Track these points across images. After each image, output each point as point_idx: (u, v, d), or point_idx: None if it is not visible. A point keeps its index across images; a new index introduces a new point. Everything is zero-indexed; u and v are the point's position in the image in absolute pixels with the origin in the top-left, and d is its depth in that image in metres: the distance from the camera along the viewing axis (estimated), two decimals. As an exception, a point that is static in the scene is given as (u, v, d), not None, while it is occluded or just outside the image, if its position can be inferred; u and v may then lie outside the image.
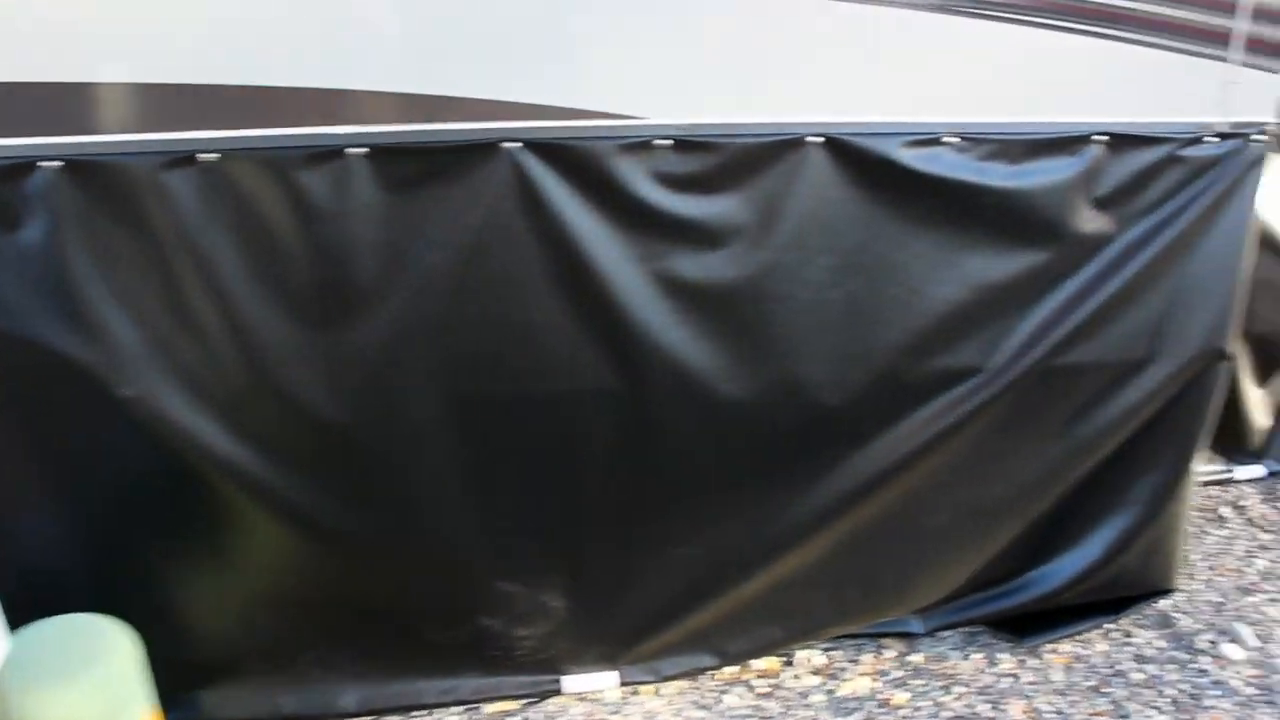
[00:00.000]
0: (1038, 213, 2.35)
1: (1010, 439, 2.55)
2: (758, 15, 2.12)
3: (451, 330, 2.24)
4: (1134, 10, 2.31)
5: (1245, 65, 2.38)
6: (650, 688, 2.65)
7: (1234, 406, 3.42)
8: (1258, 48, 2.39)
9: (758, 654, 2.70)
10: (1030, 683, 2.68)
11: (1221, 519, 3.41)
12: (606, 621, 2.56)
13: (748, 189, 2.23)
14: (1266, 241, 3.11)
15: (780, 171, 2.23)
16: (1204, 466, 3.55)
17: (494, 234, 2.19)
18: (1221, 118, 2.39)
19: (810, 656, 2.77)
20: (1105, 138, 2.34)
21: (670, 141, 2.17)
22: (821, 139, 2.22)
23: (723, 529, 2.49)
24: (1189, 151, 2.40)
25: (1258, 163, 2.44)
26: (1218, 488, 3.57)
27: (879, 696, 2.63)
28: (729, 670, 2.71)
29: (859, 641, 2.81)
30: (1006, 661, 2.76)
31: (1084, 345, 2.48)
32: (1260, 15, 2.37)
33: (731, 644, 2.65)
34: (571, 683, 2.61)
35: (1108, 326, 2.48)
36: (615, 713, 2.57)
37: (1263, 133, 2.42)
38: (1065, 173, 2.34)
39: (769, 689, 2.66)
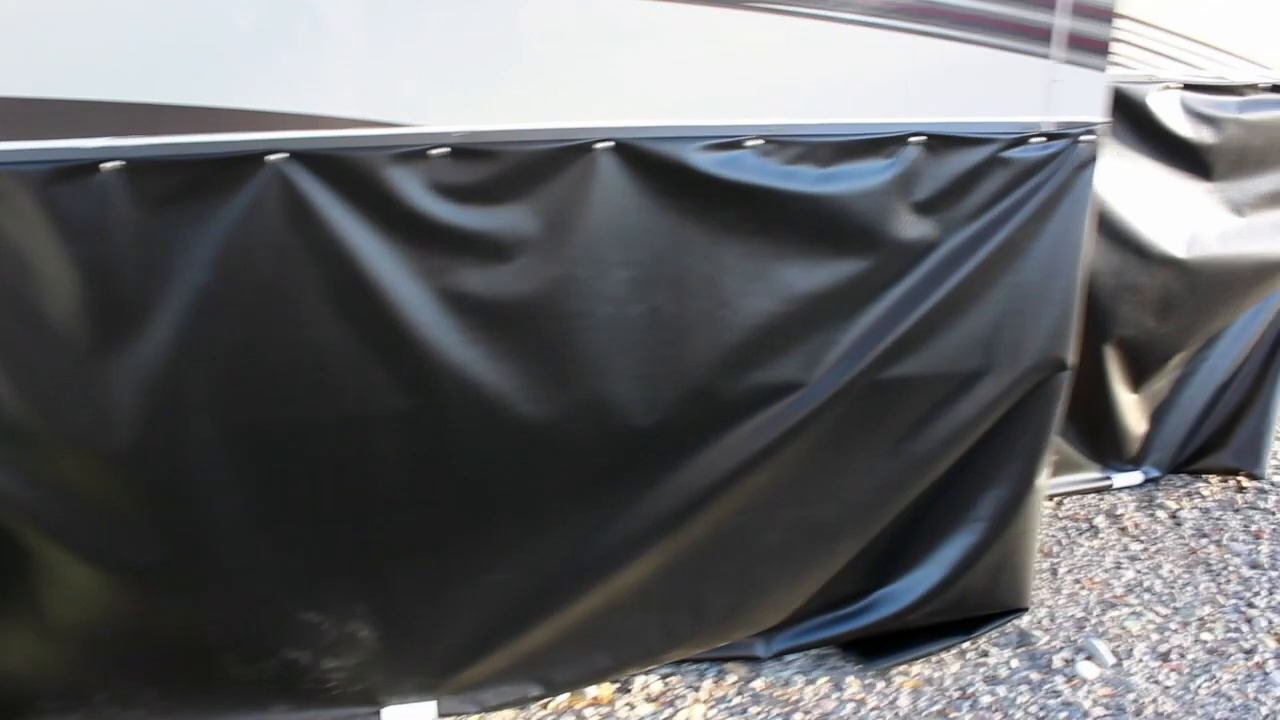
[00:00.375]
0: (852, 219, 2.22)
1: (840, 455, 2.43)
2: (541, 9, 1.98)
3: (227, 354, 2.10)
4: (950, 6, 2.18)
5: (1070, 63, 2.25)
6: (475, 718, 2.52)
7: (1108, 413, 3.31)
8: (1082, 44, 2.26)
9: (587, 682, 2.58)
10: (874, 708, 2.57)
11: (1094, 529, 3.30)
12: (421, 651, 2.43)
13: (533, 199, 2.09)
14: (1129, 242, 3.00)
15: (568, 179, 2.09)
16: (1079, 475, 3.45)
17: (265, 251, 2.04)
18: (1047, 117, 2.26)
19: (648, 683, 2.64)
20: (922, 139, 2.21)
21: (447, 150, 2.03)
22: (611, 144, 2.08)
23: (535, 554, 2.36)
24: (1013, 153, 2.28)
25: (1088, 164, 2.32)
26: (1095, 496, 3.46)
27: (710, 727, 2.51)
28: (561, 699, 2.58)
29: (701, 666, 2.69)
30: (853, 686, 2.64)
31: (912, 357, 2.36)
32: (1082, 11, 2.24)
33: (558, 672, 2.52)
34: (390, 714, 2.48)
35: (937, 338, 2.36)
36: (433, 747, 2.45)
37: (1091, 133, 2.30)
38: (879, 176, 2.21)
39: (599, 719, 2.54)
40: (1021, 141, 2.27)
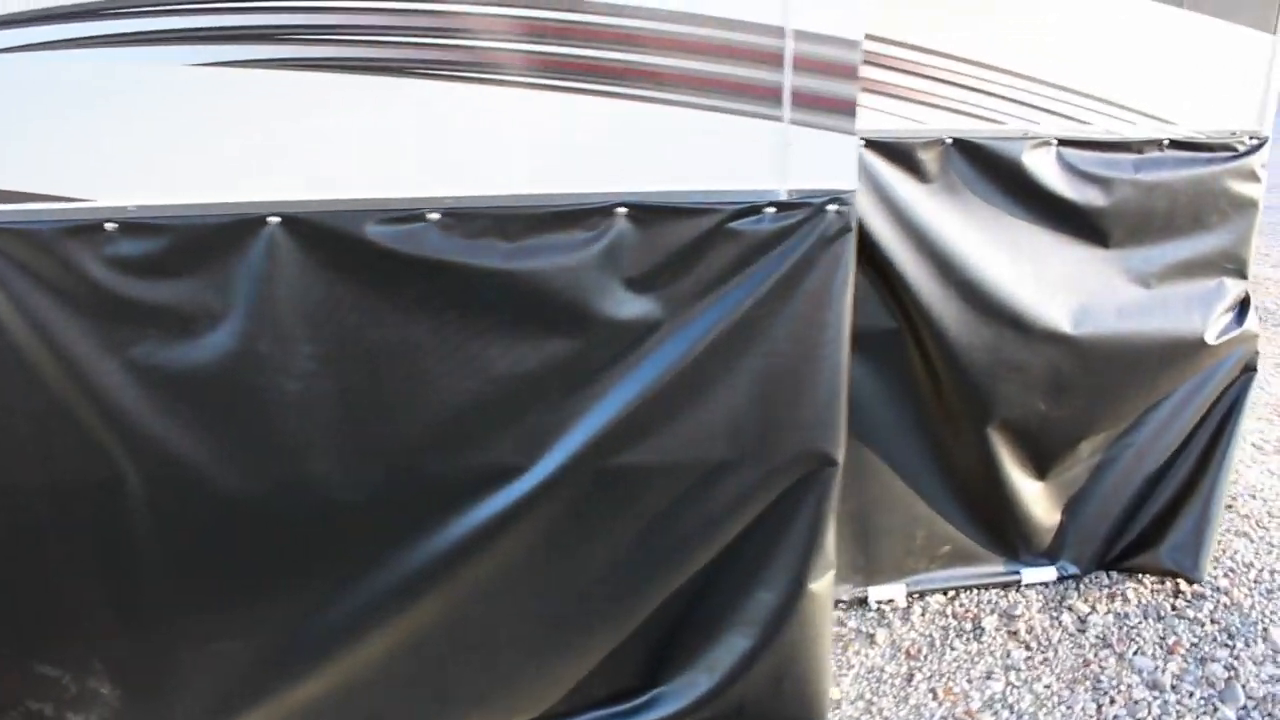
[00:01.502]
0: (555, 296, 2.07)
1: (577, 544, 2.26)
2: (213, 92, 1.94)
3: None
4: (658, 66, 2.01)
5: (805, 125, 2.04)
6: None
7: (1007, 501, 2.99)
8: (820, 105, 2.04)
9: (339, 765, 2.47)
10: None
11: (979, 630, 2.97)
12: (164, 712, 2.38)
13: (210, 272, 2.04)
14: (1003, 315, 2.71)
15: (242, 253, 2.03)
16: (980, 568, 3.12)
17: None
18: (781, 185, 2.06)
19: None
20: (625, 210, 2.04)
21: (116, 225, 2.00)
22: (278, 219, 2.00)
23: (261, 624, 2.28)
24: (742, 225, 2.08)
25: (838, 237, 2.10)
26: (999, 591, 3.12)
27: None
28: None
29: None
30: (629, 792, 2.44)
31: (645, 445, 2.18)
32: (815, 68, 2.02)
33: (308, 751, 2.43)
34: (142, 777, 2.44)
35: (671, 425, 2.17)
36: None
37: (839, 202, 2.07)
38: (582, 251, 2.05)
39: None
40: (752, 212, 2.06)
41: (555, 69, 1.98)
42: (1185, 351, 2.90)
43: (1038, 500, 3.07)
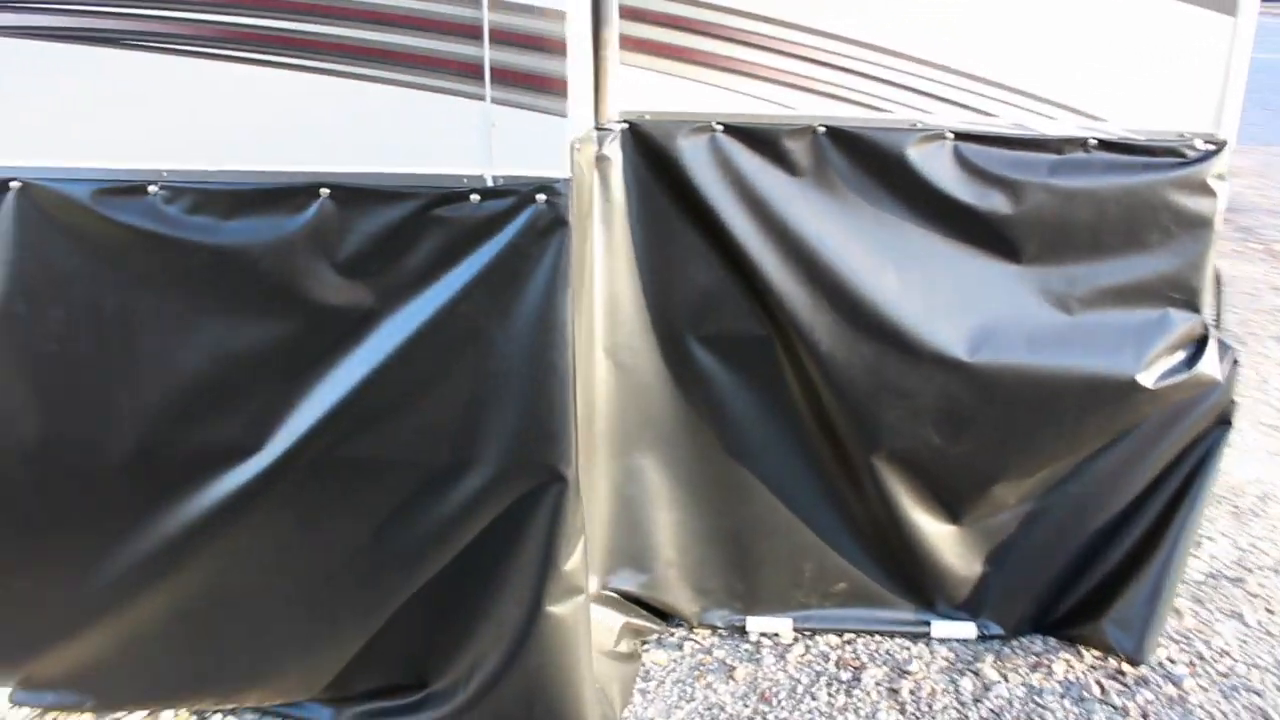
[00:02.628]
0: (265, 276, 2.02)
1: (318, 528, 2.21)
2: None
3: None
4: (358, 40, 1.89)
5: (510, 106, 1.87)
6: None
7: (907, 542, 2.66)
8: (526, 83, 1.86)
9: (137, 704, 2.51)
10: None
11: (856, 682, 2.66)
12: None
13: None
14: (885, 333, 2.41)
15: (-13, 216, 2.10)
16: (884, 611, 2.80)
17: None
18: (489, 170, 1.91)
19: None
20: (328, 191, 1.95)
21: None
22: (18, 184, 2.06)
23: (51, 569, 2.36)
24: (447, 211, 1.94)
25: (552, 230, 1.92)
26: (905, 641, 2.79)
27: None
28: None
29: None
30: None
31: (369, 438, 2.10)
32: (517, 41, 1.85)
33: (107, 691, 2.47)
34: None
35: (393, 419, 2.07)
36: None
37: (549, 191, 1.89)
38: (286, 230, 1.99)
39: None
40: (457, 198, 1.92)
41: (248, 41, 1.91)
42: (1114, 394, 2.45)
43: (950, 546, 2.70)
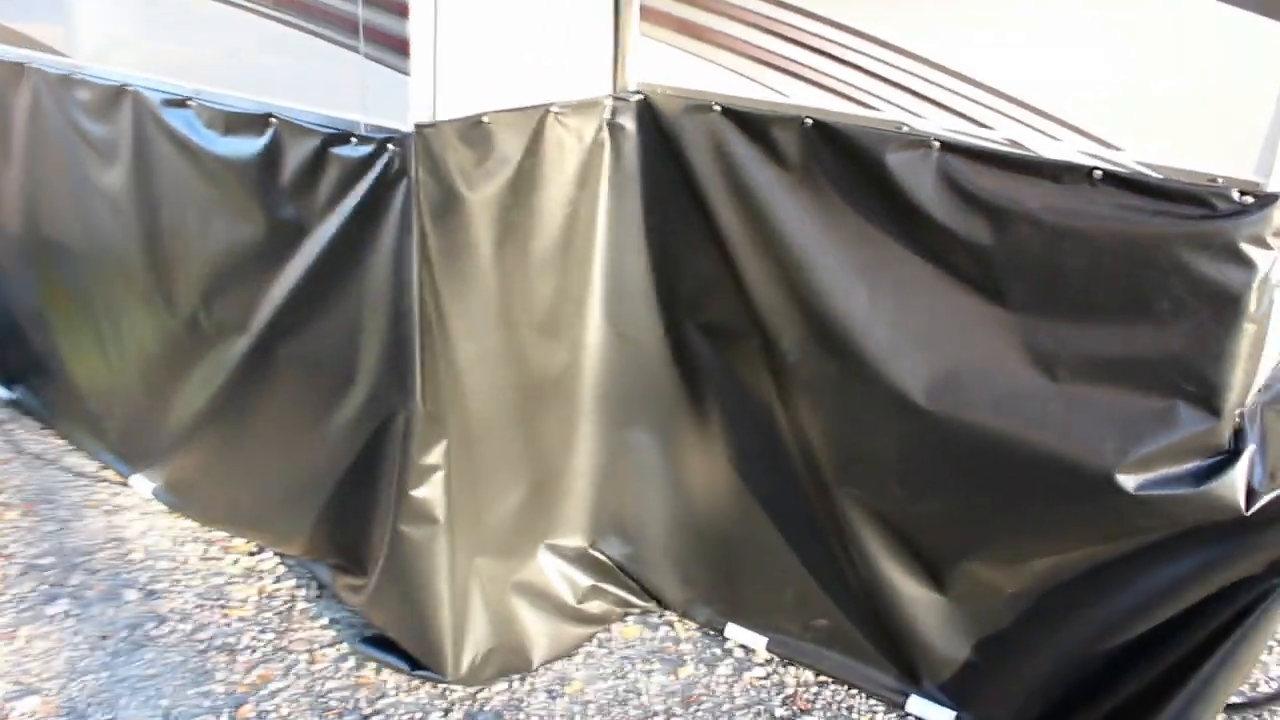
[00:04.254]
0: (246, 185, 2.40)
1: (292, 415, 2.59)
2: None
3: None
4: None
5: (374, 61, 2.05)
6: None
7: (883, 599, 2.42)
8: (382, 41, 2.01)
9: (216, 524, 3.10)
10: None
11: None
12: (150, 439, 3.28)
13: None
14: (845, 354, 2.25)
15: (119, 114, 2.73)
16: (866, 667, 2.58)
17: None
18: (364, 117, 2.12)
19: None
20: (275, 121, 2.29)
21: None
22: (135, 90, 2.65)
23: (155, 399, 3.03)
24: (339, 150, 2.17)
25: (397, 180, 2.07)
26: (887, 707, 2.53)
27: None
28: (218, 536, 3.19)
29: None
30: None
31: (299, 338, 2.42)
32: (384, 5, 1.99)
33: (199, 506, 3.10)
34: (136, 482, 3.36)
35: (313, 324, 2.38)
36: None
37: (395, 143, 2.06)
38: (254, 149, 2.35)
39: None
40: (344, 140, 2.15)
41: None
42: (1087, 490, 1.97)
43: (934, 618, 2.36)
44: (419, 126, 2.04)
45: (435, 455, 2.22)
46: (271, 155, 2.29)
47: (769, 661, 2.65)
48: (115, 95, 2.66)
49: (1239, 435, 1.90)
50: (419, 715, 2.46)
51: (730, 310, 2.40)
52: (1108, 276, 1.90)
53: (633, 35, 2.37)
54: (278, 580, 2.93)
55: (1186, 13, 1.77)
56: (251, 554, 3.02)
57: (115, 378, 3.08)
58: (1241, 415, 1.91)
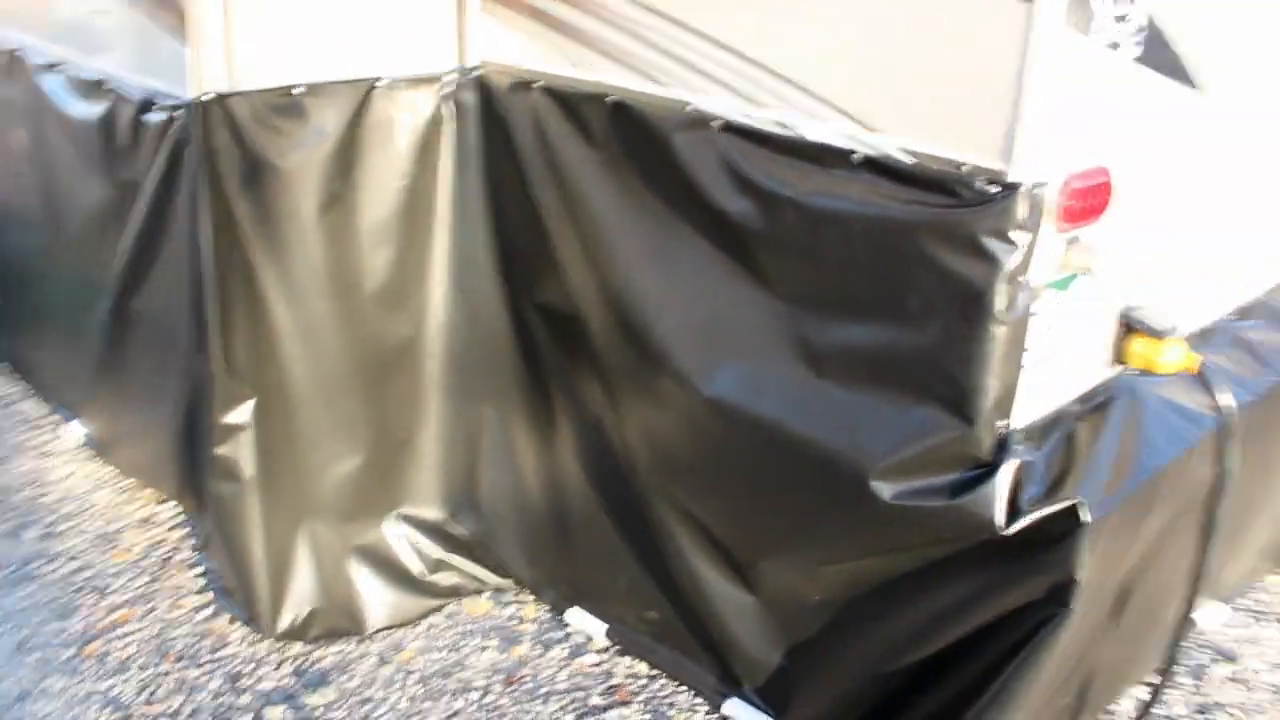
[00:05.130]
0: (95, 150, 2.48)
1: (149, 364, 2.68)
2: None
3: None
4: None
5: (160, 28, 2.07)
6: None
7: (704, 600, 2.33)
8: (169, 13, 2.02)
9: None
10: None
11: (586, 710, 2.46)
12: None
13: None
14: (640, 345, 2.20)
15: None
16: (689, 661, 2.51)
17: None
18: (165, 86, 2.15)
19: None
20: (108, 87, 2.35)
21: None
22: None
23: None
24: (146, 117, 2.23)
25: (182, 146, 2.11)
26: (703, 700, 2.47)
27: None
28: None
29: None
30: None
31: (141, 295, 2.50)
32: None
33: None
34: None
35: (151, 287, 2.45)
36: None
37: (181, 109, 2.09)
38: (97, 113, 2.42)
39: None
40: (149, 107, 2.19)
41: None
42: (847, 492, 1.86)
43: (747, 618, 2.26)
44: (219, 95, 2.05)
45: (238, 415, 2.25)
46: (108, 120, 2.35)
47: (606, 649, 2.60)
48: (9, 60, 2.77)
49: (1002, 447, 1.75)
50: (250, 667, 2.52)
51: (557, 291, 2.35)
52: (864, 268, 1.78)
53: (472, 12, 2.33)
54: (171, 529, 3.03)
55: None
56: (161, 503, 3.13)
57: (47, 328, 3.23)
58: (1006, 425, 1.76)
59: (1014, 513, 1.76)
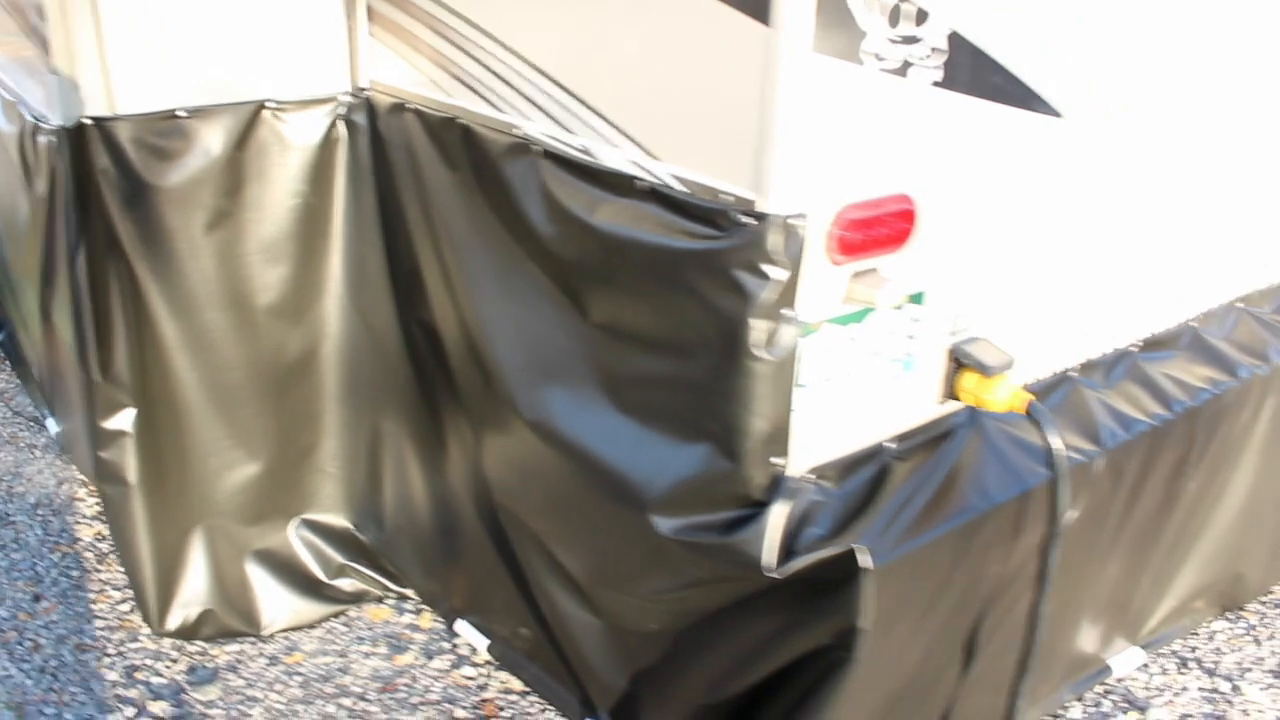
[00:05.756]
0: (18, 166, 2.65)
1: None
2: None
3: None
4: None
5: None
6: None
7: (554, 616, 2.35)
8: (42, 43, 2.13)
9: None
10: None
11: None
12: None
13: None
14: (481, 364, 2.25)
15: None
16: (558, 685, 2.54)
17: None
18: (47, 110, 2.28)
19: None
20: (20, 110, 2.50)
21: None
22: None
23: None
24: (37, 139, 2.37)
25: (55, 166, 2.23)
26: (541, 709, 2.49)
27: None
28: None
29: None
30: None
31: (57, 305, 2.64)
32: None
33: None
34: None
35: (57, 295, 2.59)
36: None
37: (58, 134, 2.21)
38: (16, 133, 2.58)
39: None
40: (38, 130, 2.32)
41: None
42: (632, 521, 1.87)
43: (596, 642, 2.25)
44: (96, 120, 2.16)
45: (119, 422, 2.36)
46: (21, 141, 2.49)
47: (487, 664, 2.63)
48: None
49: (775, 486, 1.72)
50: (150, 661, 2.63)
51: (427, 310, 2.39)
52: (651, 298, 1.78)
53: (361, 36, 2.40)
54: (117, 527, 3.18)
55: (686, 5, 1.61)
56: (114, 500, 3.28)
57: (29, 327, 3.42)
58: (782, 464, 1.73)
59: (789, 554, 1.72)
